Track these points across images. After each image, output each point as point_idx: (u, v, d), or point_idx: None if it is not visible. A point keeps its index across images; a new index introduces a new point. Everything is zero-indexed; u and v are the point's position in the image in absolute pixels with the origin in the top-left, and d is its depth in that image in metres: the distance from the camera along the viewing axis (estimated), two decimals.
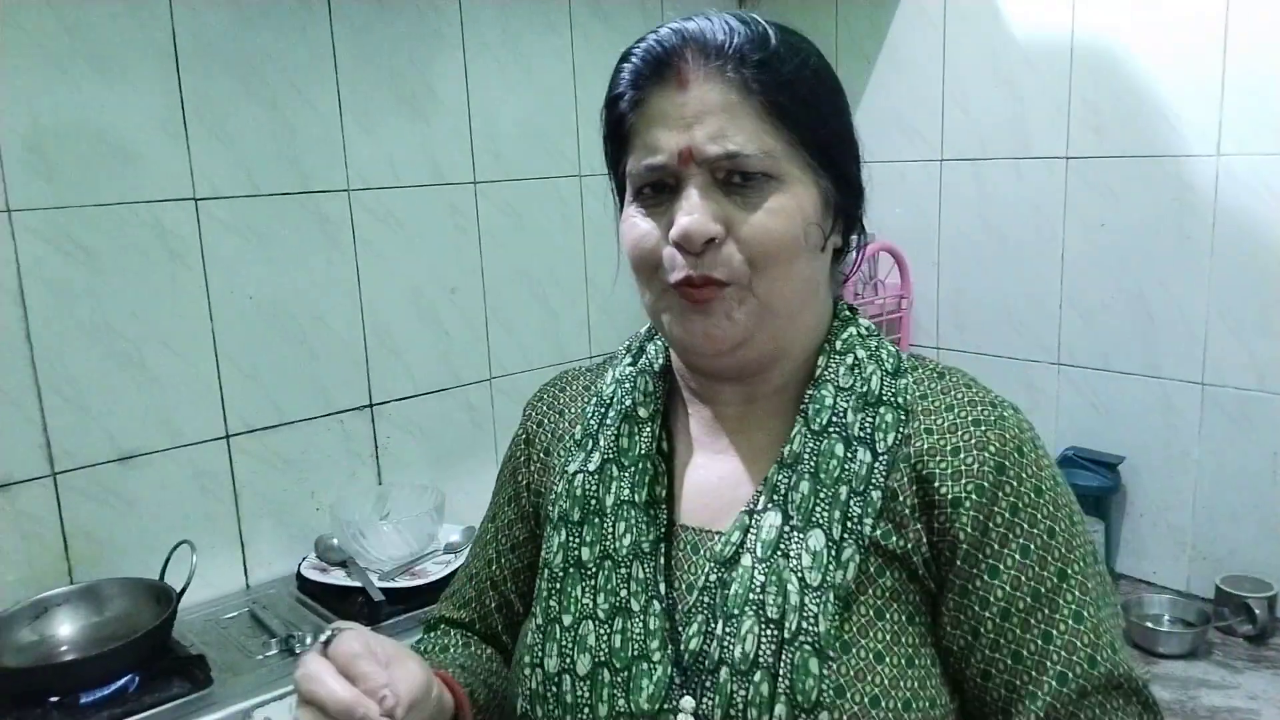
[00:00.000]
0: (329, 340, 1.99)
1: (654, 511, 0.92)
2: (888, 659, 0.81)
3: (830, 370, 0.91)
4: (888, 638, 0.82)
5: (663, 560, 0.90)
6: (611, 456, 0.95)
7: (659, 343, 1.02)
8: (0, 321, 1.62)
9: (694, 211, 0.83)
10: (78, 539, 1.71)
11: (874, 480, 0.85)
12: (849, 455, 0.86)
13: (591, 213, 2.33)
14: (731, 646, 0.82)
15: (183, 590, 1.60)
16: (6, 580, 1.64)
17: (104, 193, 1.69)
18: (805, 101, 0.86)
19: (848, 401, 0.89)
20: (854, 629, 0.82)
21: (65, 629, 1.60)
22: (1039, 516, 0.84)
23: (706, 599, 0.85)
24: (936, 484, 0.84)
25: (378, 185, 2.03)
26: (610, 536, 0.92)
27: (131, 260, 1.73)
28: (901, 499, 0.85)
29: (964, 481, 0.84)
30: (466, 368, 2.22)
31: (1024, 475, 0.85)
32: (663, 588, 0.88)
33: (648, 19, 2.39)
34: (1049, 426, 2.17)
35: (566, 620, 0.90)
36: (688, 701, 0.83)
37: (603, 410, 0.99)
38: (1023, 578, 0.83)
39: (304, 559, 1.92)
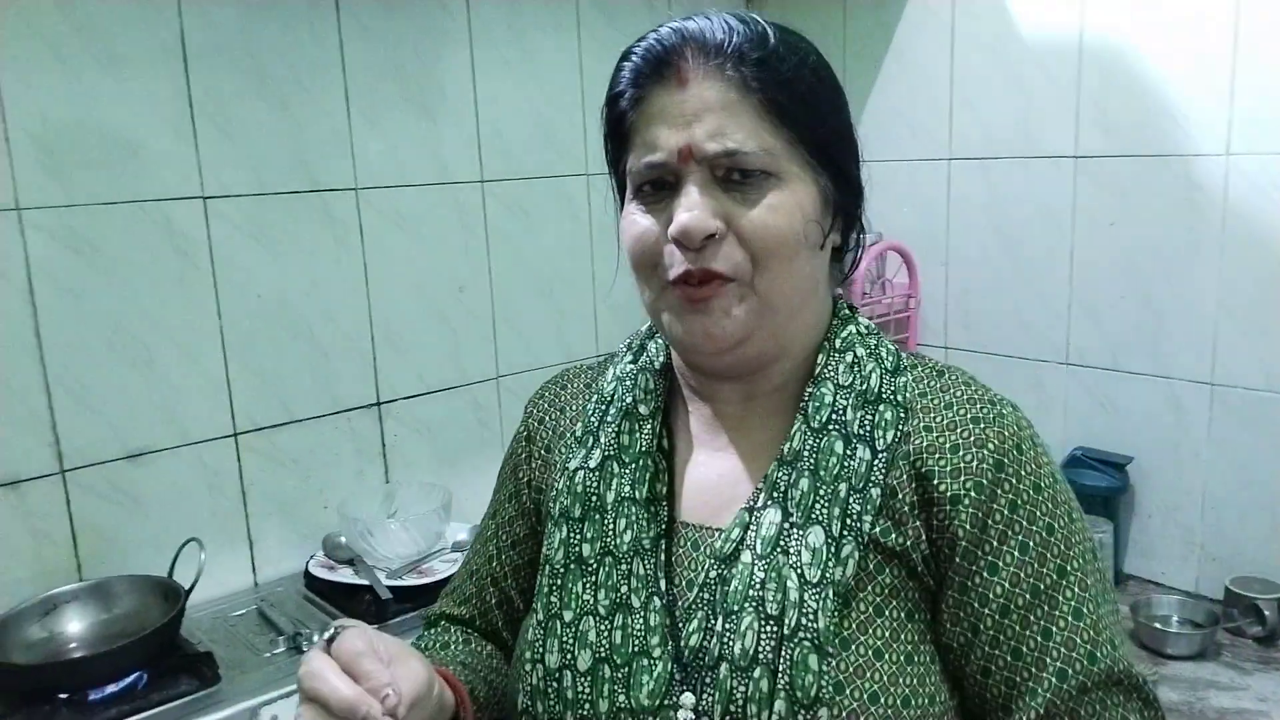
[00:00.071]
0: (337, 339, 2.00)
1: (655, 508, 0.92)
2: (887, 655, 0.82)
3: (830, 368, 0.92)
4: (887, 634, 0.83)
5: (663, 557, 0.90)
6: (612, 453, 0.96)
7: (660, 341, 1.02)
8: (9, 319, 1.62)
9: (693, 208, 0.84)
10: (86, 536, 1.71)
11: (873, 478, 0.85)
12: (848, 453, 0.87)
13: (599, 211, 2.33)
14: (731, 643, 0.82)
15: (191, 588, 1.60)
16: (16, 577, 1.64)
17: (113, 191, 1.70)
18: (804, 100, 0.87)
19: (847, 399, 0.89)
20: (853, 626, 0.82)
21: (74, 626, 1.61)
22: (1038, 513, 0.85)
23: (707, 595, 0.86)
24: (935, 481, 0.85)
25: (385, 184, 2.03)
26: (611, 533, 0.92)
27: (140, 258, 1.74)
28: (901, 496, 0.85)
29: (963, 479, 0.84)
30: (474, 366, 2.22)
31: (1023, 472, 0.85)
32: (663, 584, 0.89)
33: (654, 18, 2.37)
34: (1057, 426, 2.16)
35: (567, 616, 0.91)
36: (688, 697, 0.83)
37: (604, 407, 1.00)
38: (1022, 574, 0.83)
39: (312, 557, 1.92)
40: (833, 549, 0.83)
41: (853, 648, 0.81)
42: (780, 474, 0.88)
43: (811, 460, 0.87)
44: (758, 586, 0.83)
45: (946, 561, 0.85)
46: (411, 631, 1.61)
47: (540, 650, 0.91)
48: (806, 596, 0.82)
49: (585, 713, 0.87)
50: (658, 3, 2.41)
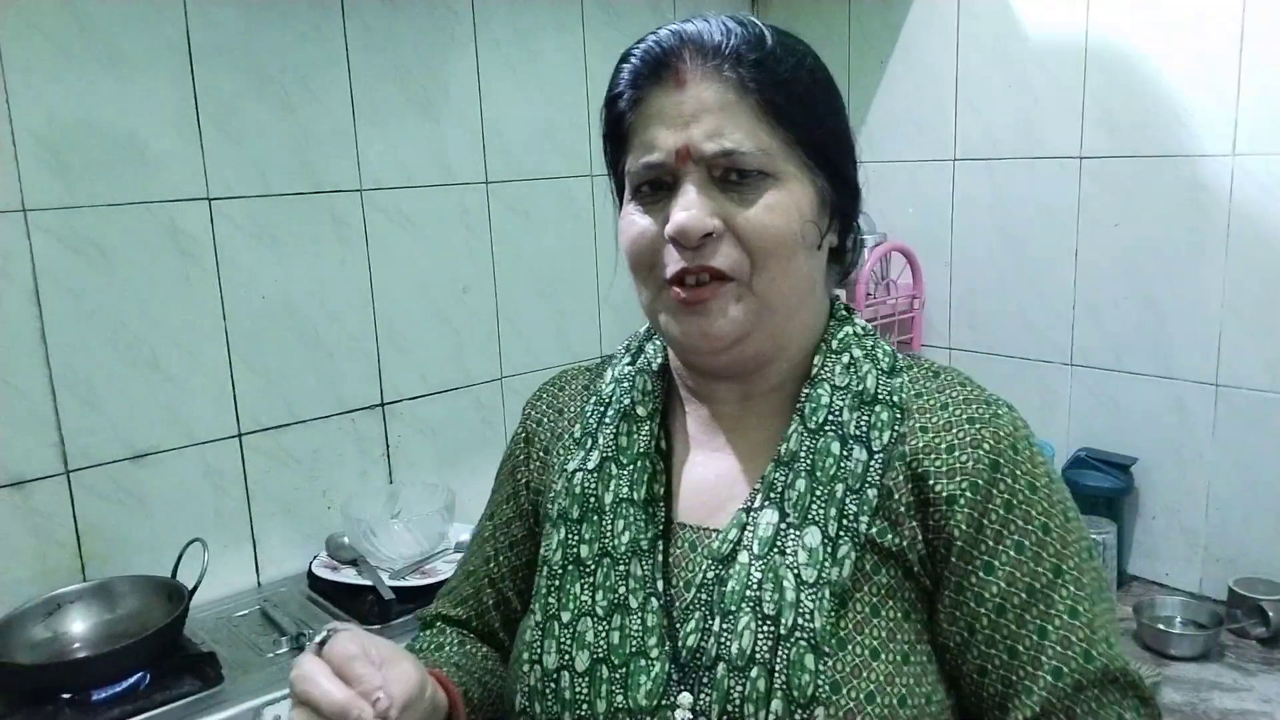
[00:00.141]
0: (341, 339, 2.00)
1: (652, 509, 0.92)
2: (883, 655, 0.82)
3: (826, 369, 0.92)
4: (883, 634, 0.83)
5: (661, 558, 0.91)
6: (610, 455, 0.96)
7: (657, 342, 1.03)
8: (15, 320, 1.63)
9: (691, 207, 0.84)
10: (90, 536, 1.72)
11: (870, 478, 0.86)
12: (845, 453, 0.87)
13: (602, 212, 2.33)
14: (729, 643, 0.82)
15: (194, 588, 1.60)
16: (20, 577, 1.65)
17: (118, 192, 1.70)
18: (801, 101, 0.87)
19: (844, 400, 0.90)
20: (850, 625, 0.82)
21: (78, 626, 1.61)
22: (1033, 513, 0.85)
23: (704, 596, 0.86)
24: (931, 481, 0.85)
25: (389, 185, 2.03)
26: (609, 534, 0.92)
27: (145, 259, 1.74)
28: (897, 497, 0.86)
29: (959, 479, 0.85)
30: (477, 367, 2.22)
31: (1018, 472, 0.85)
32: (660, 585, 0.89)
33: (659, 18, 2.39)
34: (1061, 427, 2.16)
35: (565, 617, 0.91)
36: (685, 697, 0.83)
37: (602, 409, 1.00)
38: (1017, 573, 0.83)
39: (315, 557, 1.92)
40: (829, 549, 0.84)
41: (850, 647, 0.81)
42: (777, 475, 0.88)
43: (808, 461, 0.87)
44: (755, 587, 0.84)
45: (942, 561, 0.85)
46: (414, 631, 1.62)
47: (538, 651, 0.91)
48: (803, 596, 0.82)
49: (583, 713, 0.87)
50: (661, 3, 2.42)
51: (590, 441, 0.98)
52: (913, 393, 0.91)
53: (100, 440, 1.72)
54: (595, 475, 0.96)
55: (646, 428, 0.96)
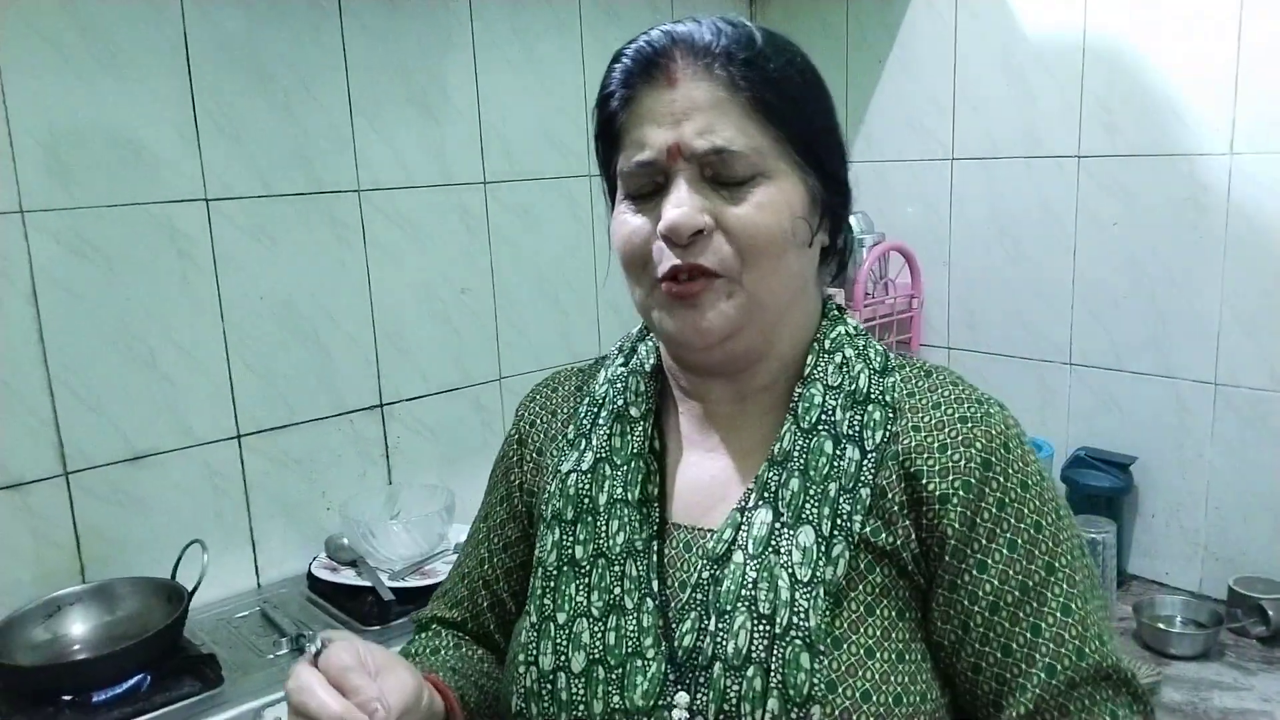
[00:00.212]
0: (340, 340, 2.00)
1: (647, 510, 0.93)
2: (878, 654, 0.82)
3: (819, 369, 0.93)
4: (878, 633, 0.83)
5: (655, 558, 0.91)
6: (604, 456, 0.96)
7: (650, 343, 1.03)
8: (13, 322, 1.62)
9: (682, 204, 0.85)
10: (90, 538, 1.72)
11: (863, 478, 0.86)
12: (838, 453, 0.87)
13: (601, 212, 2.31)
14: (725, 642, 0.83)
15: (194, 589, 1.60)
16: (19, 579, 1.65)
17: (116, 193, 1.70)
18: (792, 99, 0.88)
19: (836, 400, 0.90)
20: (845, 625, 0.83)
21: (77, 628, 1.61)
22: (1025, 511, 0.85)
23: (700, 595, 0.86)
24: (924, 481, 0.86)
25: (388, 185, 2.03)
26: (604, 535, 0.92)
27: (143, 261, 1.74)
28: (890, 496, 0.86)
29: (951, 478, 0.85)
30: (477, 367, 2.22)
31: (1010, 471, 0.86)
32: (655, 585, 0.89)
33: (657, 18, 2.37)
34: (1060, 427, 2.16)
35: (561, 618, 0.91)
36: (682, 697, 0.83)
37: (595, 410, 1.00)
38: (1010, 572, 0.84)
39: (314, 558, 1.92)
40: (823, 548, 0.84)
41: (845, 647, 0.82)
42: (771, 474, 0.88)
43: (801, 460, 0.88)
44: (750, 586, 0.84)
45: (936, 560, 0.85)
46: (412, 634, 1.62)
47: (534, 652, 0.91)
48: (798, 596, 0.82)
49: (580, 714, 0.87)
50: (660, 3, 2.42)
51: (584, 442, 0.99)
52: (905, 392, 0.91)
53: (99, 442, 1.72)
54: (589, 476, 0.96)
55: (640, 428, 0.96)
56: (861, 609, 0.84)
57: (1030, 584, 0.84)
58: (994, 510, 0.85)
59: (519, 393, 1.11)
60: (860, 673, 0.81)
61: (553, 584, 0.93)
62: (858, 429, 0.88)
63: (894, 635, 0.84)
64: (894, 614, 0.85)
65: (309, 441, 1.97)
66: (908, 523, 0.86)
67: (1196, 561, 1.99)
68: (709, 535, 0.90)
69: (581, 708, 0.87)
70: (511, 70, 2.19)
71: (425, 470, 2.14)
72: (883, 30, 2.37)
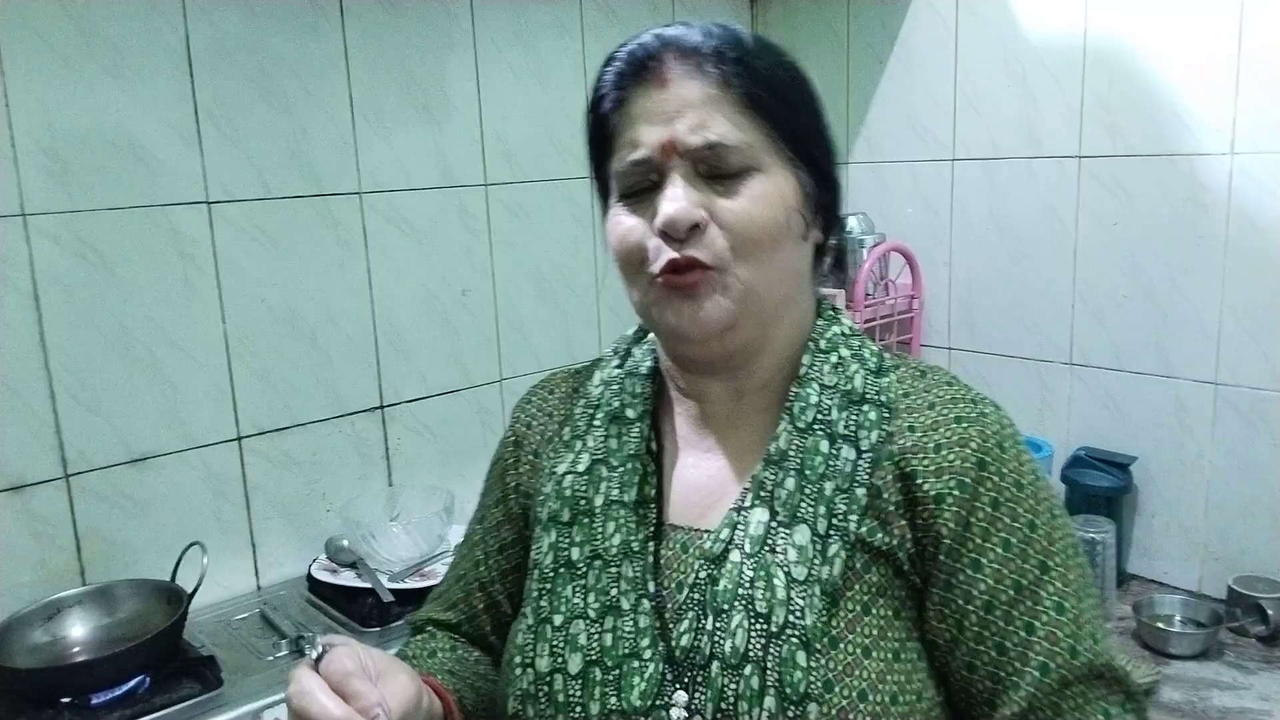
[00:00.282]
0: (340, 342, 2.00)
1: (643, 511, 0.93)
2: (875, 653, 0.83)
3: (815, 368, 0.93)
4: (875, 632, 0.84)
5: (652, 559, 0.91)
6: (600, 457, 0.97)
7: (646, 346, 1.04)
8: (15, 325, 1.63)
9: (678, 199, 0.86)
10: (90, 540, 1.72)
11: (858, 477, 0.87)
12: (834, 452, 0.88)
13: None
14: (722, 641, 0.83)
15: (194, 591, 1.61)
16: (19, 581, 1.65)
17: (118, 196, 1.71)
18: (782, 96, 0.89)
19: (832, 399, 0.91)
20: (841, 624, 0.83)
21: (77, 630, 1.61)
22: (1020, 510, 0.86)
23: (697, 596, 0.86)
24: (919, 481, 0.86)
25: (389, 188, 2.04)
26: (600, 536, 0.93)
27: (145, 263, 1.74)
28: (886, 496, 0.86)
29: (946, 478, 0.85)
30: (477, 369, 2.22)
31: (1005, 470, 0.86)
32: (651, 586, 0.89)
33: (658, 20, 2.37)
34: (1060, 427, 2.16)
35: (557, 620, 0.91)
36: (680, 696, 0.84)
37: (590, 412, 1.01)
38: (1005, 571, 0.84)
39: (314, 560, 1.93)
40: (819, 548, 0.84)
41: (841, 646, 0.82)
42: (767, 474, 0.89)
43: (797, 460, 0.88)
44: (747, 585, 0.84)
45: (931, 559, 0.86)
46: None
47: (530, 654, 0.91)
48: (793, 594, 0.83)
49: (576, 715, 0.87)
50: (661, 5, 2.42)
51: (580, 444, 0.99)
52: (900, 392, 0.92)
53: (100, 444, 1.72)
54: (585, 478, 0.96)
55: (636, 429, 0.97)
56: (858, 608, 0.84)
57: (1024, 583, 0.84)
58: (988, 510, 0.85)
59: (519, 394, 1.12)
60: (857, 672, 0.81)
61: (549, 586, 0.94)
62: (853, 429, 0.89)
63: (890, 634, 0.84)
64: (890, 613, 0.85)
65: (309, 443, 1.98)
66: (903, 522, 0.86)
67: (1196, 561, 1.99)
68: (706, 536, 0.90)
69: (578, 709, 0.87)
70: (512, 72, 2.20)
71: (425, 472, 2.15)
72: (883, 31, 2.37)
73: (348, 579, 1.84)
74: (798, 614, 0.82)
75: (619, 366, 1.04)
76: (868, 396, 0.91)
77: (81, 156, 1.66)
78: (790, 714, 0.80)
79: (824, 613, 0.82)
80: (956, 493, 0.85)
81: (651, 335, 1.03)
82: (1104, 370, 2.09)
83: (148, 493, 1.78)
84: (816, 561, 0.84)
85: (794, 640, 0.81)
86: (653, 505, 0.94)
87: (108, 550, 1.74)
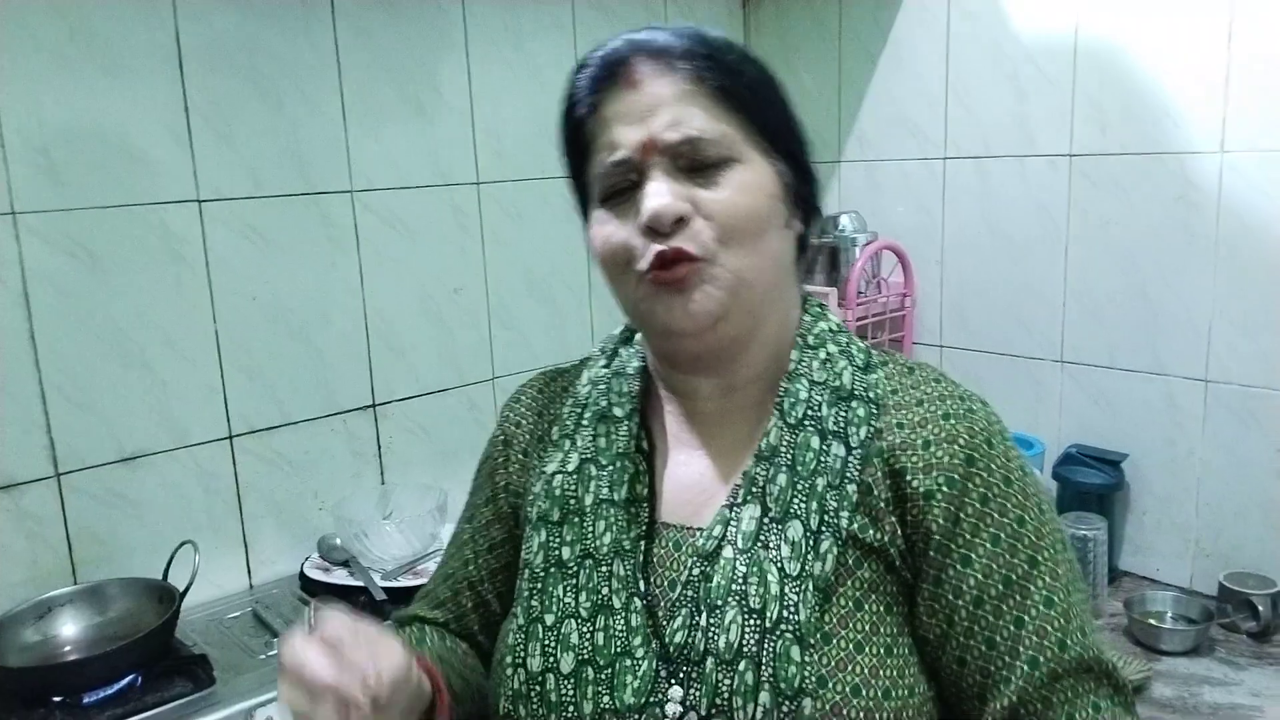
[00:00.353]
0: (332, 341, 2.00)
1: (634, 509, 0.93)
2: (867, 649, 0.83)
3: (804, 364, 0.93)
4: (867, 628, 0.84)
5: (643, 558, 0.91)
6: (589, 456, 0.97)
7: (633, 345, 1.04)
8: (5, 323, 1.62)
9: (661, 194, 0.86)
10: (81, 539, 1.72)
11: (849, 474, 0.87)
12: (824, 448, 0.88)
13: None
14: (716, 637, 0.83)
15: (186, 590, 1.60)
16: (10, 580, 1.65)
17: (108, 195, 1.70)
18: (753, 89, 0.91)
19: (822, 395, 0.91)
20: (834, 620, 0.83)
21: (69, 629, 1.61)
22: (1008, 506, 0.86)
23: (690, 592, 0.87)
24: (908, 477, 0.87)
25: (381, 186, 2.03)
26: (590, 535, 0.93)
27: (136, 262, 1.74)
28: (876, 493, 0.87)
29: (935, 474, 0.86)
30: (470, 367, 2.22)
31: (993, 466, 0.87)
32: (643, 584, 0.89)
33: (650, 17, 2.39)
34: (1052, 424, 2.16)
35: (549, 619, 0.91)
36: (675, 691, 0.84)
37: (579, 411, 1.01)
38: (994, 566, 0.85)
39: (307, 559, 1.93)
40: (811, 543, 0.85)
41: (834, 641, 0.82)
42: (758, 470, 0.89)
43: (788, 456, 0.88)
44: (740, 581, 0.85)
45: (921, 555, 0.86)
46: None
47: (522, 654, 0.91)
48: (787, 590, 0.83)
49: (569, 715, 0.87)
50: (653, 3, 2.42)
51: (568, 443, 0.99)
52: (888, 389, 0.92)
53: (91, 443, 1.72)
54: (575, 477, 0.96)
55: (625, 428, 0.97)
56: (850, 604, 0.84)
57: (1013, 578, 0.85)
58: (977, 505, 0.86)
59: (511, 392, 1.13)
60: (850, 667, 0.82)
61: (540, 585, 0.94)
62: (843, 425, 0.89)
63: (882, 630, 0.85)
64: (882, 609, 0.85)
65: (301, 442, 1.97)
66: (894, 519, 0.87)
67: (1187, 557, 1.99)
68: (698, 533, 0.90)
69: (571, 709, 0.87)
70: (505, 70, 2.19)
71: (418, 470, 2.14)
72: (875, 29, 2.37)
73: (340, 577, 1.84)
74: (791, 609, 0.82)
75: (605, 366, 1.04)
76: (856, 393, 0.91)
77: (72, 154, 1.66)
78: (784, 709, 0.80)
79: (817, 608, 0.83)
80: (945, 489, 0.86)
81: (639, 336, 1.04)
82: (1095, 368, 2.09)
83: (139, 491, 1.77)
84: (809, 557, 0.84)
85: (788, 635, 0.81)
86: (645, 504, 0.94)
87: (99, 549, 1.74)
